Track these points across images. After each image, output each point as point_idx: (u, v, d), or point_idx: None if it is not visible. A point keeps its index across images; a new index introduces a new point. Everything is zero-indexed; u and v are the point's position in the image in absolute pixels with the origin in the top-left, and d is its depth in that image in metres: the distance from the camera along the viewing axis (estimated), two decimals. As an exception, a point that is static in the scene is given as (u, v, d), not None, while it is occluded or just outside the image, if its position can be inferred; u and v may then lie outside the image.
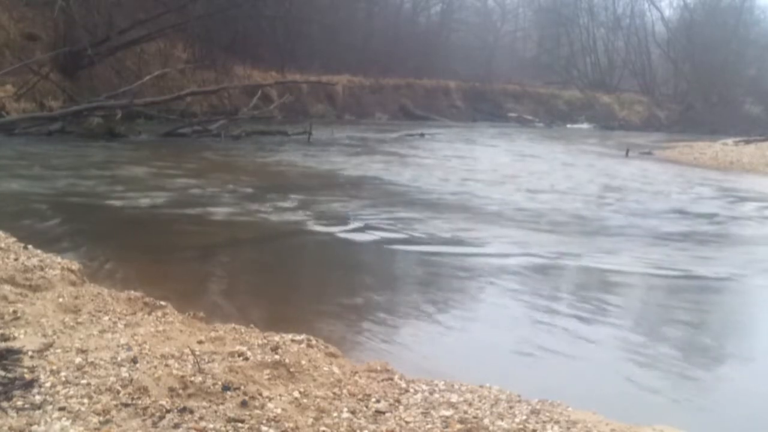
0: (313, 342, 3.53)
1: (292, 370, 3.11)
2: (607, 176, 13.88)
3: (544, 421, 2.85)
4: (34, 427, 2.38)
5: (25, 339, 3.15)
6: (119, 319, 3.63)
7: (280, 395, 2.85)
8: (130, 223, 7.45)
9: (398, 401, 2.97)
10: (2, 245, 4.76)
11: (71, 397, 2.61)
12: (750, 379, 4.11)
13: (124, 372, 2.84)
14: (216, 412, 2.62)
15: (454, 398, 3.03)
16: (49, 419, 2.44)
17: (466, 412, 2.88)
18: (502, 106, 36.50)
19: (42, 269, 4.25)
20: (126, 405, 2.58)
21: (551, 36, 43.80)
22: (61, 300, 3.78)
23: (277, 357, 3.19)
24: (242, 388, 2.83)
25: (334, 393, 2.97)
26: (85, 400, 2.59)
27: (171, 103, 18.71)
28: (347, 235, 7.11)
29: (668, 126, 36.98)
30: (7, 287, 3.82)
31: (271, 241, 7.04)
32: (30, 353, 2.98)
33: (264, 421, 2.59)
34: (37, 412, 2.49)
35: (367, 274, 6.17)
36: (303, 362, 3.20)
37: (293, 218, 7.77)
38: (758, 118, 38.98)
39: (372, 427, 2.69)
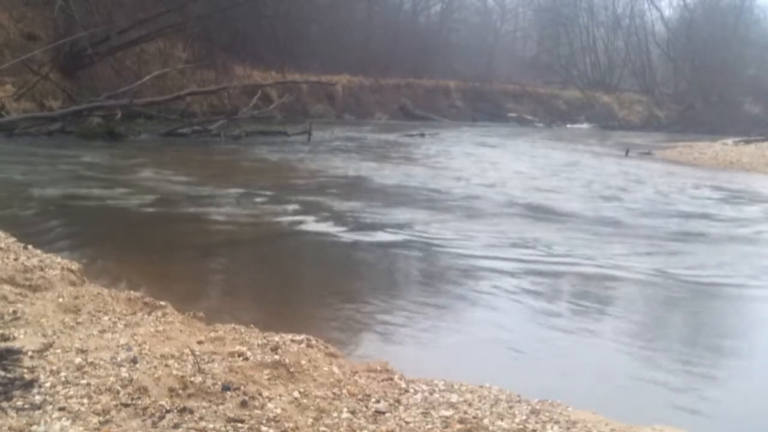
0: (313, 342, 3.53)
1: (292, 370, 3.11)
2: (607, 176, 13.88)
3: (544, 421, 2.85)
4: (34, 427, 2.38)
5: (25, 339, 3.15)
6: (119, 319, 3.63)
7: (280, 395, 2.85)
8: (130, 223, 7.45)
9: (398, 401, 2.97)
10: (2, 245, 4.75)
11: (71, 397, 2.61)
12: (750, 379, 4.11)
13: (124, 372, 2.84)
14: (216, 412, 2.62)
15: (454, 398, 3.03)
16: (49, 419, 2.44)
17: (466, 413, 2.88)
18: (502, 105, 36.51)
19: (42, 269, 4.25)
20: (126, 405, 2.58)
21: (551, 36, 43.80)
22: (61, 300, 3.77)
23: (277, 357, 3.19)
24: (242, 388, 2.83)
25: (334, 393, 2.97)
26: (85, 400, 2.59)
27: (171, 103, 18.73)
28: (347, 235, 7.11)
29: (668, 126, 36.98)
30: (7, 287, 3.82)
31: (271, 241, 7.04)
32: (30, 353, 2.97)
33: (264, 421, 2.59)
34: (37, 412, 2.49)
35: (367, 274, 6.17)
36: (303, 362, 3.20)
37: (293, 218, 7.77)
38: (758, 117, 39.02)
39: (372, 427, 2.69)
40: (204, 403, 2.68)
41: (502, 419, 2.84)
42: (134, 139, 15.35)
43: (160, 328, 3.52)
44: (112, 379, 2.76)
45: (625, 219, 9.04)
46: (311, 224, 7.52)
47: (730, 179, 14.74)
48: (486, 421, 2.81)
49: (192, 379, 2.83)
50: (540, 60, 43.93)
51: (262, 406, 2.71)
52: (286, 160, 13.56)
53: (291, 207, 8.40)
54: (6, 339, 3.13)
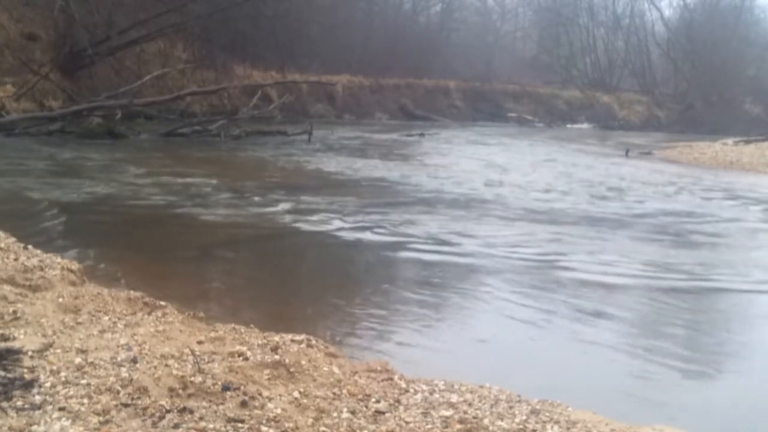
0: (313, 342, 3.53)
1: (292, 370, 3.11)
2: (607, 176, 13.88)
3: (544, 421, 2.85)
4: (34, 427, 2.38)
5: (25, 339, 3.15)
6: (119, 319, 3.63)
7: (280, 395, 2.85)
8: (130, 223, 7.45)
9: (398, 401, 2.97)
10: (2, 245, 4.75)
11: (71, 397, 2.61)
12: (750, 379, 4.11)
13: (124, 372, 2.84)
14: (216, 412, 2.63)
15: (454, 398, 3.03)
16: (49, 419, 2.44)
17: (466, 412, 2.88)
18: (502, 106, 36.51)
19: (42, 269, 4.25)
20: (126, 405, 2.58)
21: (551, 36, 43.82)
22: (61, 300, 3.77)
23: (277, 357, 3.19)
24: (242, 388, 2.83)
25: (334, 393, 2.97)
26: (85, 400, 2.59)
27: (171, 103, 18.74)
28: (347, 235, 7.11)
29: (668, 126, 36.96)
30: (7, 287, 3.82)
31: (270, 241, 7.04)
32: (30, 353, 2.97)
33: (264, 421, 2.59)
34: (37, 412, 2.49)
35: (367, 274, 6.17)
36: (303, 362, 3.20)
37: (293, 218, 7.77)
38: (758, 117, 38.98)
39: (372, 427, 2.69)
40: (204, 403, 2.68)
41: (502, 419, 2.84)
42: (134, 139, 15.35)
43: (160, 328, 3.52)
44: (112, 379, 2.76)
45: (625, 219, 9.04)
46: (311, 224, 7.52)
47: (730, 179, 14.74)
48: (486, 421, 2.81)
49: (192, 379, 2.83)
50: (540, 60, 43.92)
51: (262, 406, 2.72)
52: (286, 160, 13.56)
53: (291, 207, 8.40)
54: (6, 339, 3.13)
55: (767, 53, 44.75)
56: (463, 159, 15.81)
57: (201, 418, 2.56)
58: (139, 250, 6.22)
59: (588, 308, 5.12)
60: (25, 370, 2.81)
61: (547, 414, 2.92)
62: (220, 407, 2.66)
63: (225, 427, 2.52)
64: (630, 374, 4.01)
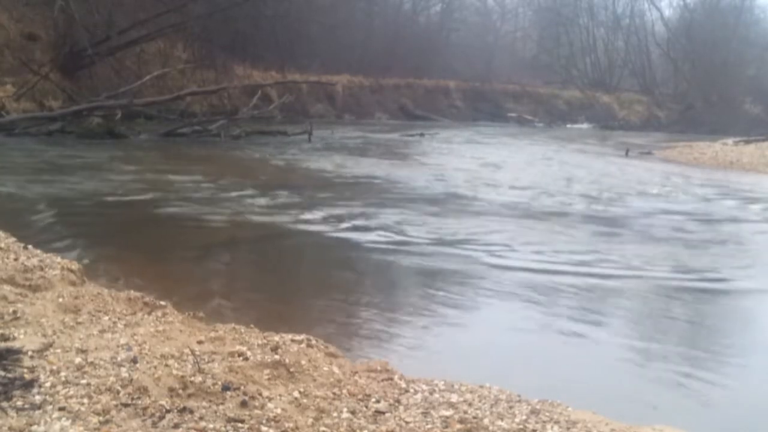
0: (313, 342, 3.53)
1: (292, 370, 3.11)
2: (607, 176, 13.88)
3: (544, 421, 2.85)
4: (34, 427, 2.38)
5: (25, 339, 3.15)
6: (119, 319, 3.63)
7: (280, 395, 2.85)
8: (130, 223, 7.45)
9: (398, 401, 2.97)
10: (2, 245, 4.75)
11: (71, 397, 2.61)
12: (749, 379, 4.11)
13: (124, 372, 2.84)
14: (216, 412, 2.63)
15: (454, 398, 3.03)
16: (49, 419, 2.44)
17: (466, 412, 2.88)
18: (502, 105, 36.52)
19: (42, 269, 4.25)
20: (126, 405, 2.58)
21: (551, 36, 43.83)
22: (61, 300, 3.77)
23: (277, 357, 3.20)
24: (242, 388, 2.83)
25: (334, 393, 2.97)
26: (85, 400, 2.59)
27: (171, 103, 18.73)
28: (347, 235, 7.11)
29: (668, 126, 36.94)
30: (7, 287, 3.82)
31: (271, 241, 7.04)
32: (30, 353, 2.97)
33: (264, 421, 2.59)
34: (37, 412, 2.49)
35: (367, 274, 6.17)
36: (303, 362, 3.20)
37: (293, 218, 7.77)
38: (758, 117, 38.97)
39: (372, 427, 2.69)
40: (204, 403, 2.68)
41: (502, 419, 2.84)
42: (134, 139, 15.35)
43: (160, 328, 3.52)
44: (112, 379, 2.76)
45: (624, 219, 9.04)
46: (311, 224, 7.52)
47: (730, 179, 14.74)
48: (486, 421, 2.81)
49: (192, 379, 2.83)
50: (540, 60, 43.93)
51: (262, 406, 2.72)
52: (286, 160, 13.56)
53: (291, 207, 8.40)
54: (6, 339, 3.13)
55: (767, 53, 44.75)
56: (463, 159, 15.81)
57: (201, 418, 2.56)
58: (139, 250, 6.22)
59: (586, 308, 5.12)
60: (25, 370, 2.81)
61: (547, 414, 2.92)
62: (220, 407, 2.67)
63: (225, 427, 2.52)
64: (630, 374, 4.01)
